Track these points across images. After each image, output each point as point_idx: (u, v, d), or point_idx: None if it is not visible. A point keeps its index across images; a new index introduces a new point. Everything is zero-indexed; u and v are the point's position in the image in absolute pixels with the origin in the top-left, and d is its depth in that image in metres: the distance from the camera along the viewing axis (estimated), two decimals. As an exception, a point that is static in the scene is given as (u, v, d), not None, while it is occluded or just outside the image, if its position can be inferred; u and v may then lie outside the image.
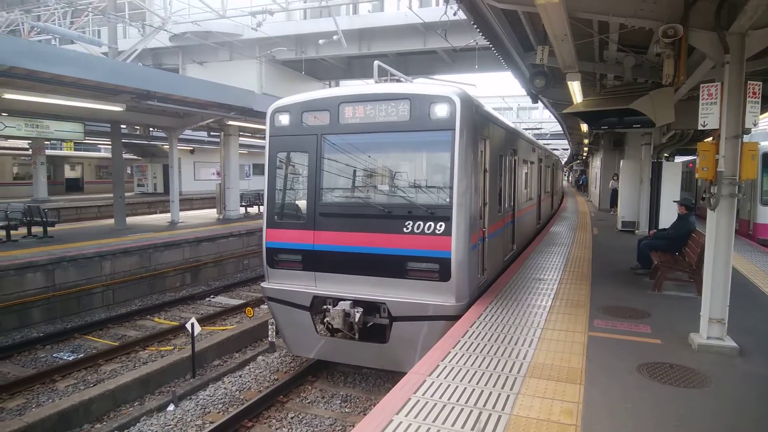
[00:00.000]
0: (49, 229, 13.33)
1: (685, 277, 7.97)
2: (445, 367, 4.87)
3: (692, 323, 5.73)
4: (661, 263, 8.07)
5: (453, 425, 3.78)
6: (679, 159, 20.93)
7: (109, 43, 21.61)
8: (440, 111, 6.51)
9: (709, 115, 5.12)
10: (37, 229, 13.26)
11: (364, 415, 5.11)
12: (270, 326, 8.83)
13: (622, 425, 3.82)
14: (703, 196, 5.30)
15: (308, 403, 7.08)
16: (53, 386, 7.58)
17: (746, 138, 5.16)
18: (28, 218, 13.19)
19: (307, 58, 30.70)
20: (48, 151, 25.88)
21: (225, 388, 7.51)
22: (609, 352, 5.29)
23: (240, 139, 19.82)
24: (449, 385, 4.46)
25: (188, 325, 7.82)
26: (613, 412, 4.02)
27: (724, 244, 5.25)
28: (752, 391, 4.47)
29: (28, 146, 25.68)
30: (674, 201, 9.82)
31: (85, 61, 10.87)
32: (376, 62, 7.91)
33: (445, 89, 6.76)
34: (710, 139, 5.39)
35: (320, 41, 27.42)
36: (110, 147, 17.88)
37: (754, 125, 5.26)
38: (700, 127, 5.20)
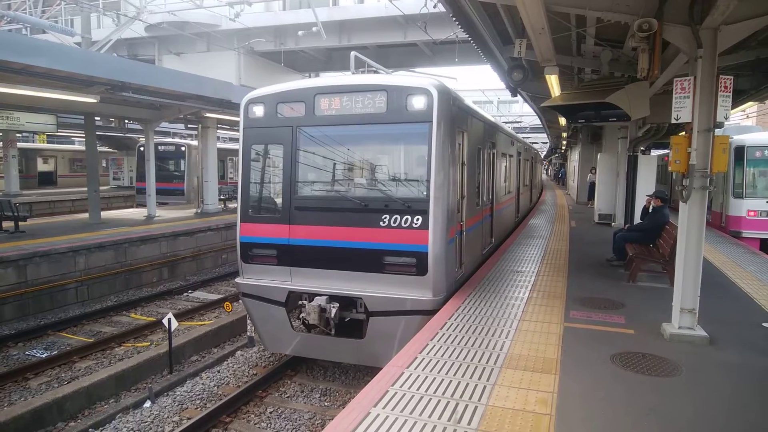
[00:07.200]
0: (21, 223, 12.99)
1: (659, 268, 8.13)
2: (423, 359, 4.89)
3: (665, 313, 5.85)
4: (635, 255, 8.20)
5: (430, 416, 3.80)
6: (655, 152, 21.31)
7: (82, 32, 21.12)
8: (417, 103, 6.46)
9: (682, 109, 5.19)
10: (8, 224, 12.91)
11: (344, 408, 5.10)
12: (249, 321, 8.75)
13: (596, 413, 3.88)
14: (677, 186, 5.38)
15: (287, 397, 7.05)
16: (26, 384, 7.42)
17: (720, 132, 5.26)
18: (-1, 213, 12.87)
19: (287, 50, 30.38)
20: (20, 144, 25.22)
21: (203, 383, 7.44)
22: (584, 343, 5.37)
23: (218, 132, 19.55)
24: (426, 377, 4.48)
25: (165, 321, 7.72)
26: (587, 401, 4.08)
27: (696, 235, 5.36)
28: (722, 380, 4.58)
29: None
30: (647, 195, 9.90)
31: (57, 51, 10.57)
32: (353, 53, 7.84)
33: (423, 81, 6.72)
34: (683, 132, 5.48)
35: (299, 33, 27.15)
36: (84, 139, 17.50)
37: (726, 119, 5.36)
38: (673, 121, 5.28)
